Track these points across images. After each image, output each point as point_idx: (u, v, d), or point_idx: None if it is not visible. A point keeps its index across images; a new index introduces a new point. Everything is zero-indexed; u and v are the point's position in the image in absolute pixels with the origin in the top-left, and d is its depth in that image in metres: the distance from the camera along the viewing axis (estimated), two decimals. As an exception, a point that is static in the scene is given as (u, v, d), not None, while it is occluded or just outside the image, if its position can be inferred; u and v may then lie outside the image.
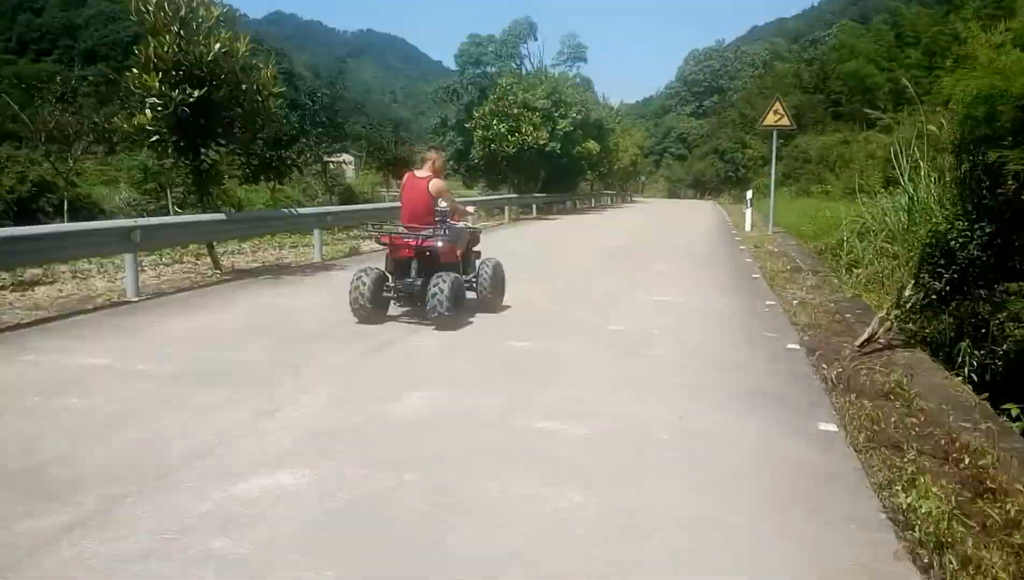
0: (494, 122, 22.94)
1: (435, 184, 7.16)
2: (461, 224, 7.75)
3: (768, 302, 8.83)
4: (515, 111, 23.24)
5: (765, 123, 18.60)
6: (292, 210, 13.61)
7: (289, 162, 13.56)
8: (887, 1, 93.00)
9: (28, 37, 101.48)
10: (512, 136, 22.94)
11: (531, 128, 23.30)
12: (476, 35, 38.85)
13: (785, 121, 18.37)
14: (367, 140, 28.45)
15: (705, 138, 75.60)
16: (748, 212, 19.85)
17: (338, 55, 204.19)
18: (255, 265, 12.34)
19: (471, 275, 7.76)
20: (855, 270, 11.24)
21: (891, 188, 28.48)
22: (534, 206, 27.45)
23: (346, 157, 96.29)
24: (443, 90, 38.64)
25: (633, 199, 65.65)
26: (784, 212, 25.52)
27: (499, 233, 18.17)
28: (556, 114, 27.98)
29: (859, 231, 13.04)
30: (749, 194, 20.21)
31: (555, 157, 28.03)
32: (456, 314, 6.75)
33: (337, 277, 10.16)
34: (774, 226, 19.27)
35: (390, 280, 7.17)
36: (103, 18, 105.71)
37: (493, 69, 32.13)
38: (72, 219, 17.42)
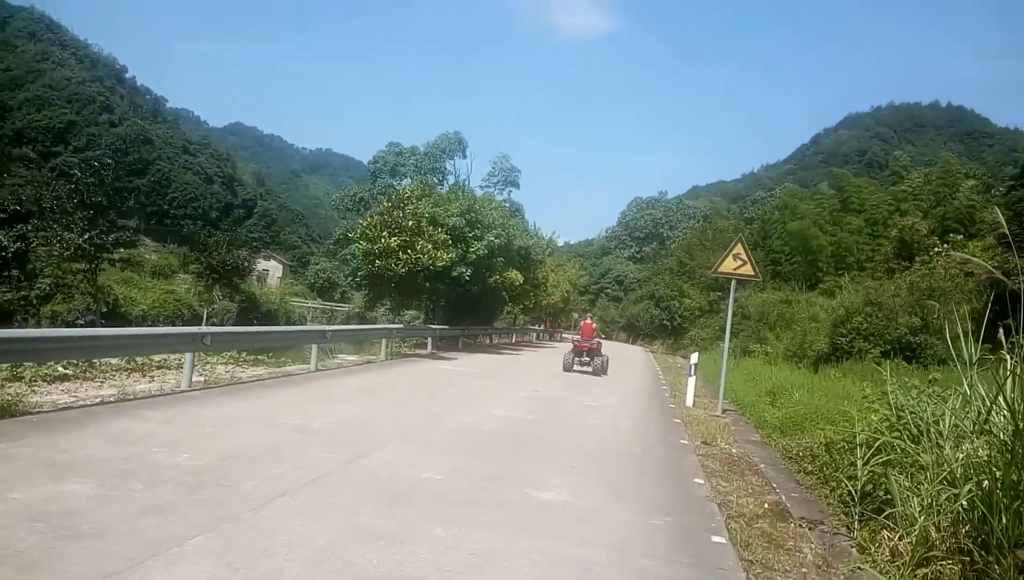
0: (383, 234, 18.14)
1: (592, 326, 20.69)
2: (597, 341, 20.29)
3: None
4: (409, 223, 18.54)
5: (721, 269, 14.12)
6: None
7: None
8: (830, 169, 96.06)
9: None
10: (404, 253, 18.12)
11: (428, 246, 18.51)
12: (397, 144, 34.98)
13: (747, 270, 13.90)
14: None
15: (641, 283, 73.16)
16: (691, 381, 14.97)
17: (293, 169, 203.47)
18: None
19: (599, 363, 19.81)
20: (887, 533, 6.15)
21: (840, 356, 24.17)
22: (430, 339, 22.24)
23: (272, 264, 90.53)
24: (348, 198, 33.99)
25: (563, 336, 61.47)
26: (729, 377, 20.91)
27: (333, 386, 12.77)
28: (470, 235, 23.46)
29: (877, 443, 8.21)
30: (694, 359, 15.41)
31: (464, 284, 23.24)
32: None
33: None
34: (724, 400, 14.38)
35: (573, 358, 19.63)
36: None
37: (409, 181, 28.07)
38: None
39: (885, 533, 6.04)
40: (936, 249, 32.19)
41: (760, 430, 12.56)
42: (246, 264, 30.84)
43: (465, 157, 35.56)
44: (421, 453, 7.39)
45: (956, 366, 19.59)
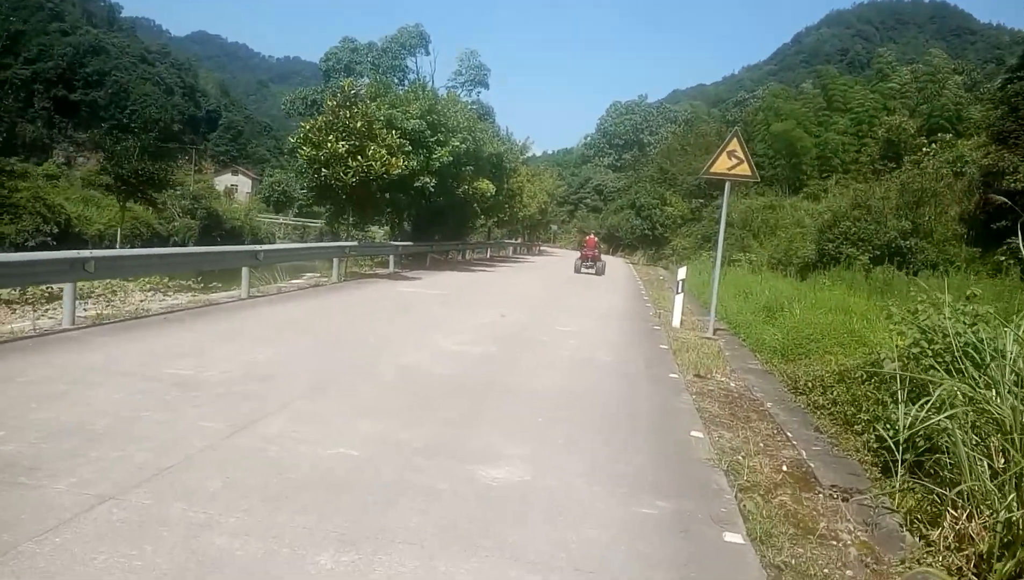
0: (330, 139, 15.84)
1: (595, 241, 29.10)
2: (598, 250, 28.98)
3: None
4: (358, 125, 16.22)
5: (714, 170, 12.23)
6: None
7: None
8: (813, 68, 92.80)
9: None
10: (353, 160, 15.91)
11: (381, 152, 16.28)
12: (352, 39, 31.79)
13: (743, 169, 12.01)
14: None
15: (621, 192, 70.95)
16: (679, 299, 13.29)
17: (261, 79, 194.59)
18: None
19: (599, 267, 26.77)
20: (951, 512, 4.57)
21: (827, 263, 22.85)
22: (392, 258, 20.33)
23: (241, 179, 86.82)
24: (300, 101, 30.84)
25: (542, 250, 59.71)
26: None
27: (257, 318, 10.98)
28: (432, 140, 21.19)
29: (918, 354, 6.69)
30: (681, 274, 13.65)
31: (428, 195, 21.16)
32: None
33: None
34: (716, 322, 12.79)
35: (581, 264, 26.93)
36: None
37: (366, 80, 25.41)
38: None
39: (949, 513, 4.45)
40: (924, 149, 30.99)
41: (758, 354, 11.02)
42: (163, 174, 28.19)
43: (428, 54, 32.70)
44: (338, 414, 5.66)
45: (947, 270, 17.99)
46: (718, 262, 12.84)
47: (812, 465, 5.69)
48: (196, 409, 5.42)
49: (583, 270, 27.05)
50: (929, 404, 5.47)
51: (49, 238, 42.73)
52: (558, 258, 48.71)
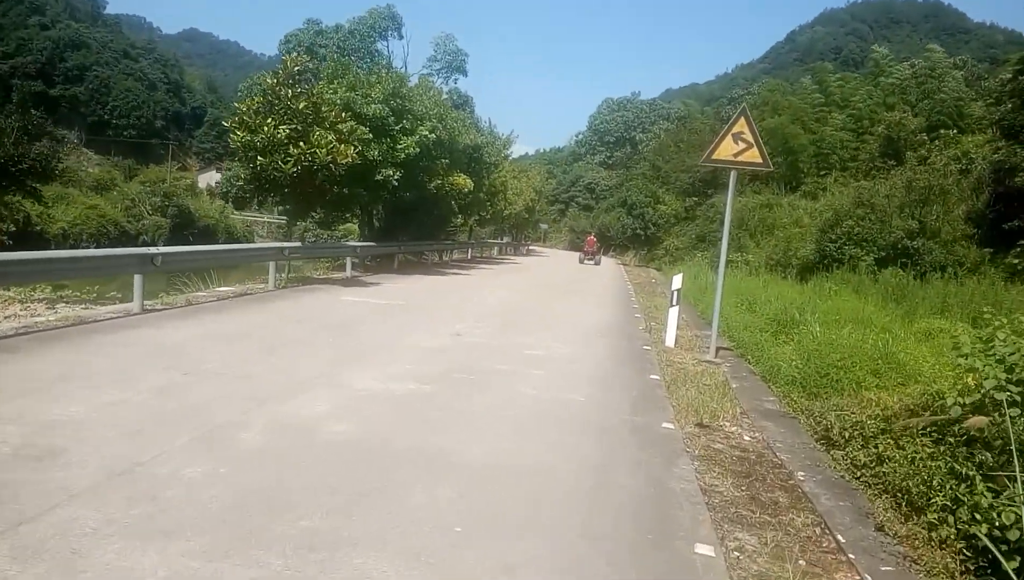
0: (268, 122, 13.52)
1: (594, 241, 39.44)
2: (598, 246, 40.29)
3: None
4: (300, 105, 13.88)
5: (717, 156, 10.01)
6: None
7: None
8: (806, 66, 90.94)
9: None
10: (295, 147, 13.60)
11: (328, 137, 13.92)
12: (316, 21, 29.35)
13: (752, 155, 9.78)
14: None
15: (613, 190, 68.75)
16: (673, 313, 11.03)
17: (251, 76, 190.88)
18: None
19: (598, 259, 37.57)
20: None
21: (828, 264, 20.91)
22: (349, 261, 18.00)
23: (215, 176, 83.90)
24: (257, 88, 28.12)
25: (529, 249, 57.47)
26: (710, 294, 17.18)
27: (125, 343, 8.75)
28: (397, 128, 18.85)
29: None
30: (676, 283, 11.35)
31: (392, 189, 18.82)
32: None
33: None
34: (718, 339, 10.56)
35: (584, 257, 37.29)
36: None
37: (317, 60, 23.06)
38: None
39: None
40: (929, 145, 29.61)
41: (773, 386, 8.81)
42: (48, 162, 25.43)
43: (402, 38, 30.28)
44: (117, 537, 3.38)
45: (957, 273, 15.76)
46: (721, 268, 10.60)
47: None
48: None
49: (586, 262, 37.18)
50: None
51: (5, 237, 40.25)
52: (545, 259, 46.48)
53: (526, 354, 9.17)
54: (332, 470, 4.54)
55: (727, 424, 6.83)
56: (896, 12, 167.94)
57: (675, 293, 11.10)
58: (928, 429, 5.94)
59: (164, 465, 4.35)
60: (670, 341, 10.88)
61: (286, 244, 14.45)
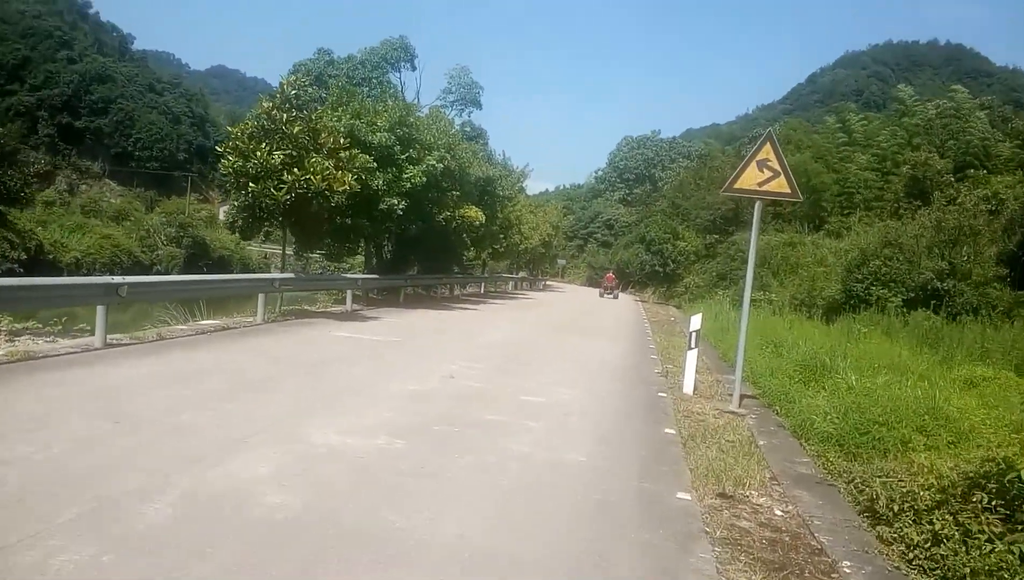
0: (261, 148, 12.74)
1: (613, 278, 43.49)
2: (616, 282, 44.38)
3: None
4: (295, 129, 13.12)
5: (739, 185, 9.05)
6: None
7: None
8: (827, 107, 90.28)
9: None
10: (289, 173, 12.80)
11: (325, 164, 13.12)
12: (327, 51, 28.95)
13: (780, 185, 8.80)
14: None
15: (632, 226, 67.87)
16: (691, 357, 9.96)
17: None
18: None
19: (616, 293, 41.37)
20: None
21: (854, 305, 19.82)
22: (349, 294, 17.11)
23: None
24: (265, 117, 27.42)
25: (546, 285, 56.53)
26: (732, 334, 16.06)
27: (93, 378, 7.84)
28: (403, 157, 18.10)
29: None
30: (695, 324, 10.26)
31: (396, 220, 18.00)
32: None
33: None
34: (742, 386, 9.46)
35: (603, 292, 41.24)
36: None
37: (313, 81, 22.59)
38: None
39: None
40: (954, 186, 29.14)
41: (805, 443, 7.70)
42: (17, 184, 24.53)
43: (415, 69, 29.78)
44: None
45: (990, 315, 14.61)
46: (746, 306, 9.52)
47: None
48: None
49: (606, 296, 40.57)
50: None
51: (16, 265, 39.99)
52: (561, 294, 45.47)
53: (523, 401, 8.13)
54: (252, 557, 3.55)
55: (754, 494, 5.74)
56: (918, 55, 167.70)
57: (693, 334, 10.03)
58: (995, 504, 4.99)
59: (31, 550, 3.38)
60: (688, 387, 9.80)
61: (277, 275, 13.58)
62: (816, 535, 5.07)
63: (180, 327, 11.24)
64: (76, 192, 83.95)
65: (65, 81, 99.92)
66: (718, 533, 4.74)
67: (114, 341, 9.18)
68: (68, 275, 39.20)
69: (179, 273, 43.92)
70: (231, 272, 49.03)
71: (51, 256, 44.67)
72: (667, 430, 7.55)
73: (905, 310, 18.92)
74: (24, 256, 41.72)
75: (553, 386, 9.28)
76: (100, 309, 8.65)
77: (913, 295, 19.41)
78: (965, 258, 20.39)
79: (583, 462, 5.99)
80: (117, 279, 8.99)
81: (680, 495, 5.41)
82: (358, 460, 5.30)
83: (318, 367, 8.92)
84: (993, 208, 25.79)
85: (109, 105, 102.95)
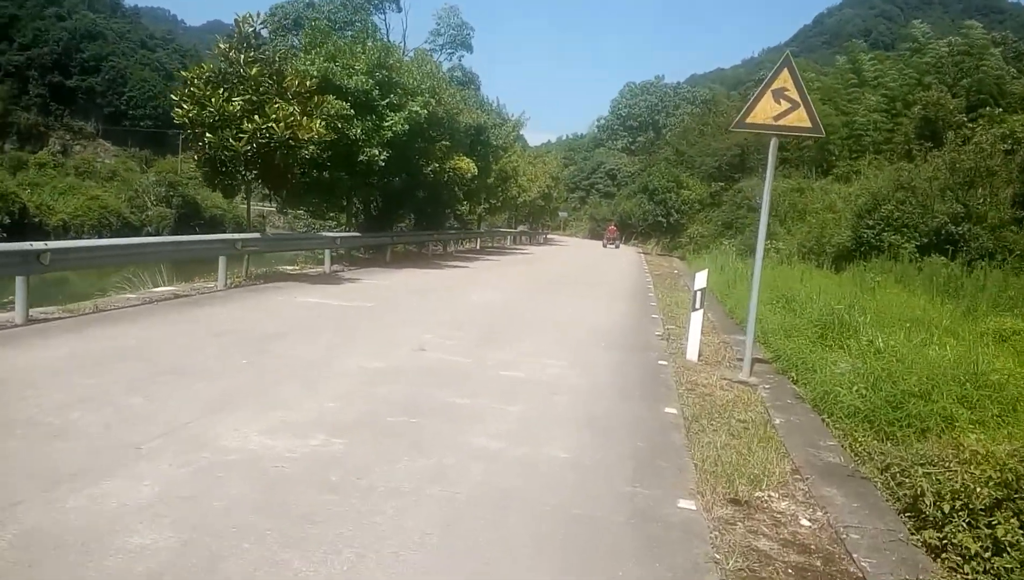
0: (218, 93, 11.47)
1: (615, 230, 48.08)
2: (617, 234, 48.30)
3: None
4: (252, 72, 11.81)
5: (753, 119, 7.78)
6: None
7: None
8: (833, 51, 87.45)
9: None
10: (250, 121, 11.54)
11: (288, 109, 11.83)
12: (305, -10, 27.22)
13: (799, 118, 7.54)
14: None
15: (635, 176, 66.15)
16: (696, 319, 8.81)
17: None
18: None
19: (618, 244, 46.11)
20: None
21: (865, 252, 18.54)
22: (327, 254, 15.94)
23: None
24: (222, 59, 25.75)
25: (547, 239, 55.25)
26: (739, 288, 14.93)
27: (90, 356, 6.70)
28: (383, 103, 16.72)
29: None
30: (700, 282, 9.07)
31: (378, 171, 16.72)
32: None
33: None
34: (753, 351, 8.32)
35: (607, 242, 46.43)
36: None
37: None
38: None
39: None
40: (968, 126, 27.98)
41: (831, 421, 6.61)
42: None
43: (400, 10, 28.09)
44: None
45: (1006, 260, 13.35)
46: (758, 259, 8.34)
47: None
48: None
49: (608, 246, 44.79)
50: None
51: (-1, 230, 38.84)
52: (562, 248, 44.27)
53: (503, 378, 7.03)
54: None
55: (774, 495, 4.67)
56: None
57: (698, 293, 8.87)
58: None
59: None
60: (692, 354, 8.68)
61: (238, 236, 12.40)
62: (854, 554, 4.00)
63: (127, 296, 10.13)
64: (70, 153, 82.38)
65: (55, 39, 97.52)
66: (731, 563, 3.65)
67: (40, 315, 8.08)
68: (56, 237, 38.08)
69: (169, 233, 42.74)
70: (223, 232, 47.77)
71: (37, 219, 43.53)
72: (668, 409, 6.45)
73: (919, 256, 18.24)
74: (7, 220, 40.62)
75: (540, 357, 8.17)
76: (19, 280, 7.53)
77: (927, 240, 18.78)
78: (980, 201, 19.49)
79: (565, 460, 4.90)
80: (38, 245, 7.84)
81: (682, 504, 4.33)
82: (276, 471, 4.20)
83: (265, 342, 7.78)
84: (1009, 148, 24.72)
85: (101, 63, 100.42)
